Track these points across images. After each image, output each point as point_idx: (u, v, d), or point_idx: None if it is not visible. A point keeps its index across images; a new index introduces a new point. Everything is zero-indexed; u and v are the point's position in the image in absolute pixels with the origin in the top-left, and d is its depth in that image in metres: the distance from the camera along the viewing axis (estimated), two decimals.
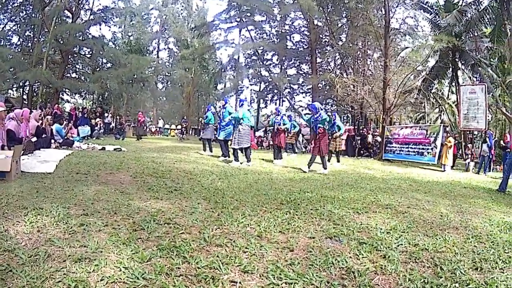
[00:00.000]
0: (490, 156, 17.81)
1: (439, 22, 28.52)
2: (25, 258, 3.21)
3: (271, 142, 16.03)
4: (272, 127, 15.77)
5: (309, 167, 12.18)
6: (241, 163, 12.63)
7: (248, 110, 14.26)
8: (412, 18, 31.03)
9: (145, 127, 33.40)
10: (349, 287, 3.14)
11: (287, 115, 17.37)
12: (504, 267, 3.84)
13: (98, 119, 26.75)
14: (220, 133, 14.33)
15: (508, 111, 19.85)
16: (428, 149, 19.11)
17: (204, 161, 13.04)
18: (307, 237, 4.40)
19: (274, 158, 14.98)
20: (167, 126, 45.57)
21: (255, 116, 46.35)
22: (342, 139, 16.33)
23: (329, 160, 15.47)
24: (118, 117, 37.87)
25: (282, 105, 46.38)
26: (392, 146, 21.58)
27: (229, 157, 13.89)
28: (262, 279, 3.20)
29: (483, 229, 5.34)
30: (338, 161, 15.90)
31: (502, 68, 30.38)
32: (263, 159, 15.27)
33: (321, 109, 12.61)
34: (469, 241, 4.67)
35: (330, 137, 14.53)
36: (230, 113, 13.86)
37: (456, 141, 21.17)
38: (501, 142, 17.78)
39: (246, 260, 3.57)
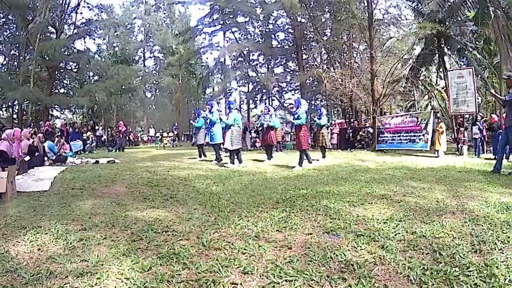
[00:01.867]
0: (482, 138, 17.85)
1: (422, 9, 28.58)
2: (27, 277, 3.23)
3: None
4: (262, 126, 15.75)
5: (310, 162, 12.29)
6: (233, 165, 12.70)
7: (238, 111, 14.32)
8: (395, 7, 31.12)
9: (127, 137, 32.81)
10: (349, 279, 3.15)
11: (276, 114, 17.33)
12: (503, 247, 3.86)
13: (89, 133, 26.69)
14: (213, 137, 14.32)
15: (496, 92, 19.90)
16: (419, 135, 19.15)
17: (198, 166, 13.06)
18: (305, 234, 4.42)
19: (267, 157, 15.05)
20: (158, 134, 45.57)
21: (245, 117, 46.44)
22: (328, 134, 16.28)
23: (324, 156, 15.52)
24: (109, 129, 37.87)
25: (271, 104, 46.47)
26: (384, 136, 21.61)
27: (222, 160, 13.90)
28: (263, 278, 3.22)
29: (480, 211, 5.34)
30: (324, 156, 15.88)
31: (489, 50, 30.56)
32: (256, 160, 15.26)
33: (305, 105, 12.70)
34: (466, 225, 4.68)
35: (317, 132, 14.54)
36: (216, 118, 13.96)
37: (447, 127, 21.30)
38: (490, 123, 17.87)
39: (246, 261, 3.59)
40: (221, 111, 14.76)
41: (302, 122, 12.33)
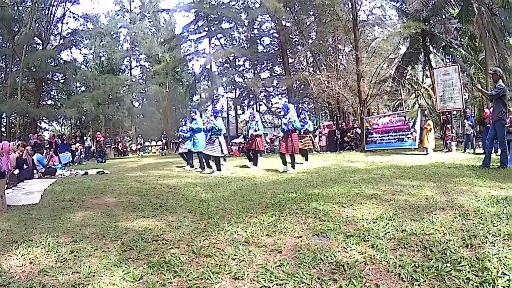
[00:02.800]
0: (474, 134, 17.97)
1: (406, 9, 28.82)
2: None
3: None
4: (247, 132, 15.75)
5: (293, 167, 12.32)
6: (212, 171, 12.82)
7: (222, 118, 14.36)
8: (379, 8, 31.40)
9: (105, 148, 32.25)
10: (340, 280, 3.15)
11: (262, 119, 17.26)
12: (495, 240, 3.85)
13: (78, 144, 26.58)
14: (196, 144, 14.30)
15: (483, 87, 20.02)
16: (408, 134, 19.31)
17: (187, 174, 13.13)
18: (294, 237, 4.41)
19: (253, 163, 15.10)
20: (147, 143, 45.40)
21: (233, 123, 46.49)
22: (310, 137, 16.31)
23: (307, 159, 15.58)
24: (97, 139, 37.82)
25: (259, 109, 46.50)
26: (373, 137, 21.75)
27: (207, 167, 13.90)
28: (253, 283, 3.21)
29: (470, 206, 5.34)
30: (307, 159, 15.90)
31: (474, 46, 30.76)
32: (245, 166, 15.29)
33: (294, 110, 12.77)
34: (456, 220, 4.67)
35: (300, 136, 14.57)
36: (197, 123, 14.01)
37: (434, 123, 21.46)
38: (482, 118, 17.99)
39: (236, 267, 3.58)
40: (209, 117, 14.70)
41: (297, 126, 12.41)
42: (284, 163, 12.73)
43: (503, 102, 9.84)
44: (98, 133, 32.04)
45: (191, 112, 15.61)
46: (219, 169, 13.04)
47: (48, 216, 6.27)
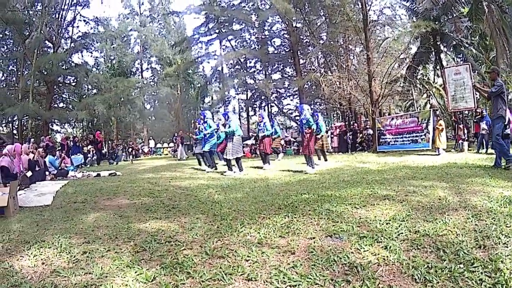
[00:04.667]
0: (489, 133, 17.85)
1: (416, 8, 28.68)
2: None
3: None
4: (257, 134, 15.72)
5: (312, 167, 12.31)
6: (234, 172, 12.75)
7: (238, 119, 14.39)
8: (389, 8, 31.24)
9: (117, 150, 31.67)
10: (353, 282, 3.16)
11: (269, 121, 17.19)
12: (508, 241, 3.85)
13: (90, 146, 26.60)
14: (205, 145, 14.34)
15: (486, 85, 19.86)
16: (421, 135, 19.25)
17: (200, 175, 13.08)
18: (308, 238, 4.41)
19: (264, 164, 15.10)
20: (159, 145, 45.42)
21: (245, 124, 46.51)
22: (327, 138, 16.28)
23: (319, 159, 15.59)
24: (109, 141, 37.85)
25: (271, 110, 46.47)
26: (386, 138, 21.66)
27: (215, 168, 13.90)
28: (267, 285, 3.23)
29: (483, 206, 5.31)
30: (326, 160, 15.90)
31: (484, 45, 30.53)
32: (257, 167, 15.28)
33: (308, 110, 12.73)
34: (469, 221, 4.66)
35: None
36: (210, 126, 14.02)
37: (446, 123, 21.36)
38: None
39: (249, 268, 3.59)
40: (220, 120, 14.72)
41: (313, 126, 12.40)
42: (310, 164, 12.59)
43: (503, 99, 9.80)
44: (97, 132, 31.58)
45: (201, 115, 15.66)
46: (230, 169, 13.08)
47: (60, 217, 6.31)
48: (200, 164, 16.29)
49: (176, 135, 37.72)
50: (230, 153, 12.96)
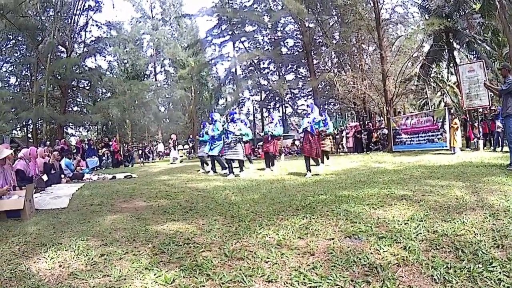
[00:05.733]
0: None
1: (428, 5, 28.57)
2: None
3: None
4: (266, 135, 15.59)
5: (318, 164, 12.27)
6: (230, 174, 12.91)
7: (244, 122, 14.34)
8: (401, 6, 31.10)
9: (132, 153, 31.85)
10: (373, 282, 3.16)
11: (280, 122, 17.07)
12: None
13: (104, 149, 26.69)
14: (214, 149, 14.33)
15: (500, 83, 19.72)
16: (438, 135, 19.14)
17: (215, 177, 13.10)
18: (327, 239, 4.41)
19: (267, 166, 15.07)
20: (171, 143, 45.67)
21: (259, 126, 46.50)
22: (330, 140, 16.22)
23: (322, 162, 15.59)
24: (124, 144, 37.99)
25: (285, 111, 46.46)
26: (402, 137, 21.59)
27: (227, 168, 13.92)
28: (287, 286, 3.23)
29: (500, 206, 5.29)
30: (327, 158, 15.87)
31: (497, 41, 30.43)
32: (262, 169, 15.25)
33: (320, 110, 12.70)
34: (487, 220, 4.64)
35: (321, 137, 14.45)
36: (218, 129, 14.00)
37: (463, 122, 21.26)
38: None
39: (269, 269, 3.59)
40: (240, 120, 14.58)
41: (329, 129, 12.38)
42: (309, 167, 12.31)
43: None
44: (114, 141, 31.70)
45: (209, 117, 15.69)
46: (242, 170, 13.13)
47: (77, 219, 6.35)
48: (203, 166, 16.28)
49: (191, 137, 37.77)
50: (241, 154, 13.00)
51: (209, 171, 14.99)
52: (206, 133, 15.12)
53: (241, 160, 13.29)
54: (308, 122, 12.23)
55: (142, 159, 34.00)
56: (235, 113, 14.82)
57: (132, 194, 9.06)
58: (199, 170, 16.16)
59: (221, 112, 27.47)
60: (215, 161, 14.86)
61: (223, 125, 13.97)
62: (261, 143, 29.53)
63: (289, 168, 14.99)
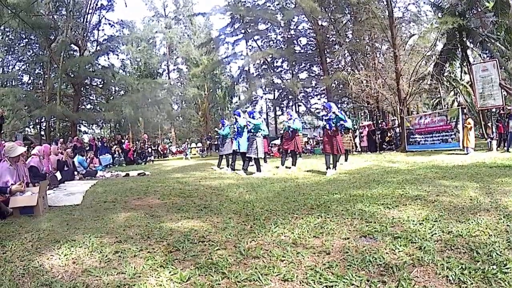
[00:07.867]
0: None
1: (441, 4, 28.51)
2: None
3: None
4: (286, 131, 15.43)
5: (335, 167, 12.23)
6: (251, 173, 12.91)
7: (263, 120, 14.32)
8: (414, 4, 31.02)
9: (146, 150, 31.72)
10: (389, 282, 3.17)
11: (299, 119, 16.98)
12: None
13: (115, 147, 26.71)
14: (240, 146, 14.30)
15: None
16: (451, 134, 19.04)
17: (229, 175, 13.14)
18: (342, 239, 4.41)
19: (282, 164, 14.91)
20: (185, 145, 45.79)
21: (272, 124, 46.49)
22: (350, 137, 16.16)
23: (346, 160, 15.50)
24: (137, 142, 38.09)
25: (298, 110, 46.42)
26: (415, 137, 21.49)
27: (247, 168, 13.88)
28: (303, 285, 3.23)
29: None
30: (346, 159, 15.80)
31: (510, 40, 30.23)
32: (287, 167, 15.15)
33: (337, 108, 12.61)
34: (501, 221, 4.63)
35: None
36: (241, 126, 13.99)
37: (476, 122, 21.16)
38: None
39: (285, 268, 3.59)
40: (259, 116, 14.49)
41: (341, 120, 12.28)
42: (329, 164, 12.30)
43: None
44: (127, 140, 31.93)
45: (234, 113, 15.70)
46: (259, 170, 13.07)
47: (90, 216, 6.33)
48: (219, 165, 16.30)
49: (208, 135, 37.83)
50: (257, 152, 13.01)
51: (226, 169, 14.98)
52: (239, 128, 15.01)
53: (258, 159, 13.27)
54: (327, 121, 12.20)
55: (153, 156, 34.07)
56: (254, 111, 14.80)
57: (146, 191, 9.06)
58: (213, 167, 16.19)
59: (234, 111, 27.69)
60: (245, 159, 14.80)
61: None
62: (274, 142, 29.50)
63: (302, 166, 14.99)
